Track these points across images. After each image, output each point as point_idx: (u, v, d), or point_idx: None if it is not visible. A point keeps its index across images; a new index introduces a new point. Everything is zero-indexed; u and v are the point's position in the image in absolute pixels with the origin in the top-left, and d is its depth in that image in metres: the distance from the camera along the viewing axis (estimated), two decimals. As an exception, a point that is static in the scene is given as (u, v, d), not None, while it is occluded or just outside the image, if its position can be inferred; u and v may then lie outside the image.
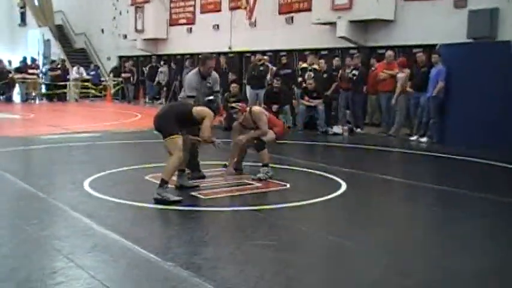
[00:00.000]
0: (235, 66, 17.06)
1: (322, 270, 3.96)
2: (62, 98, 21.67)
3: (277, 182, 6.62)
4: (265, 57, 14.12)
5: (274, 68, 13.71)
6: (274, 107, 11.63)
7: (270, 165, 6.92)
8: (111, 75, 22.41)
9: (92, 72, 23.13)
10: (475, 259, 4.16)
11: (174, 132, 5.70)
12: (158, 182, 5.64)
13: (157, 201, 5.48)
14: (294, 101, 12.81)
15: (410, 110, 11.49)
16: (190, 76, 6.71)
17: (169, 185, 5.71)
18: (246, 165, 7.24)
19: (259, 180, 6.61)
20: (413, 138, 10.88)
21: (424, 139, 10.68)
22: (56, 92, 21.62)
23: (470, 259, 4.15)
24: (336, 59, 13.42)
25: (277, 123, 7.30)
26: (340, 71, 12.75)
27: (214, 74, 6.80)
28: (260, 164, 6.83)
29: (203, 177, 6.72)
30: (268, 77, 13.17)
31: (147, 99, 20.64)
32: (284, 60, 14.10)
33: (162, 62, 20.36)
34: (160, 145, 7.26)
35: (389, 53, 11.95)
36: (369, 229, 4.91)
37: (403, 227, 5.07)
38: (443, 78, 10.39)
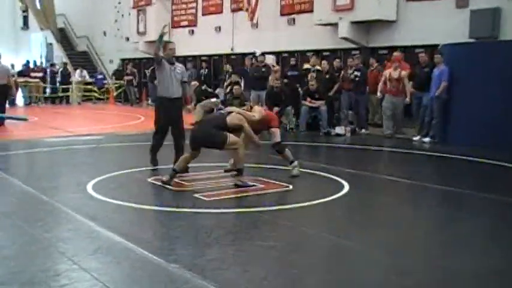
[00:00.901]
0: (238, 68, 17.07)
1: (325, 271, 3.97)
2: (65, 101, 21.77)
3: (280, 183, 6.63)
4: (264, 55, 14.10)
5: (278, 67, 13.64)
6: (275, 109, 11.61)
7: (272, 166, 6.93)
8: (113, 78, 22.46)
9: (100, 76, 23.20)
10: (476, 259, 4.16)
11: (225, 139, 6.29)
12: (161, 183, 5.72)
13: (239, 186, 6.30)
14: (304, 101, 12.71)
15: (412, 110, 11.50)
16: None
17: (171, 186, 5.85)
18: (248, 167, 7.25)
19: (296, 177, 6.90)
20: (416, 138, 10.88)
21: (426, 139, 10.68)
22: (58, 95, 21.70)
23: (471, 259, 4.16)
24: (337, 60, 13.42)
25: (272, 117, 7.22)
26: (342, 72, 12.75)
27: (182, 65, 8.03)
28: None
29: (156, 164, 7.70)
30: (270, 77, 13.16)
31: (149, 101, 20.70)
32: (293, 61, 14.08)
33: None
34: (164, 147, 7.33)
35: (396, 53, 11.90)
36: (372, 230, 4.92)
37: (405, 227, 5.08)
38: (447, 78, 10.39)
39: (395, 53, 11.90)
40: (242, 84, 13.61)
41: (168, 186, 6.40)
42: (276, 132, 7.03)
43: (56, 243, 4.39)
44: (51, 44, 26.43)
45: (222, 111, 6.80)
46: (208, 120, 6.64)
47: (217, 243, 4.42)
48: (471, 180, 7.31)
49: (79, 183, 6.59)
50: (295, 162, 7.07)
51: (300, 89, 12.96)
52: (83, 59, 25.33)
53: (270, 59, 14.47)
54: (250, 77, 13.89)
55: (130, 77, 20.96)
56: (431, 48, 11.89)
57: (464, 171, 8.13)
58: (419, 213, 5.69)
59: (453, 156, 9.10)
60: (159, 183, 6.55)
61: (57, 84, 21.81)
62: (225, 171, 7.07)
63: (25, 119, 9.31)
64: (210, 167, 7.58)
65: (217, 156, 7.75)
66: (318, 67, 13.00)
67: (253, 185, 6.39)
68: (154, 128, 7.88)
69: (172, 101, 7.49)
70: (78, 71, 22.68)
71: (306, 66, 13.33)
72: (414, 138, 10.93)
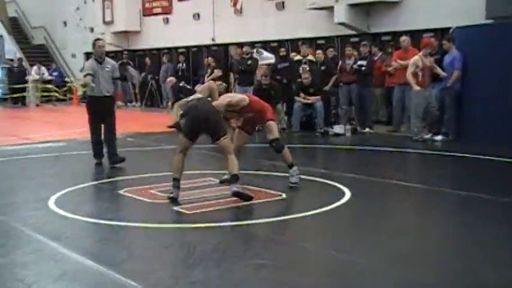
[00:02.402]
0: (220, 61, 17.09)
1: (326, 291, 3.99)
2: (21, 102, 21.64)
3: (272, 192, 6.65)
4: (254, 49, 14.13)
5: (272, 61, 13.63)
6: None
7: (262, 173, 6.94)
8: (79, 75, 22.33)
9: (55, 73, 23.08)
10: (502, 272, 4.19)
11: (225, 128, 6.38)
12: (135, 196, 5.66)
13: (237, 194, 6.12)
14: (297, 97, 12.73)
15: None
16: (88, 61, 8.96)
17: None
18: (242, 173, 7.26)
19: (295, 185, 6.86)
20: (427, 136, 10.93)
21: (438, 137, 10.74)
22: (12, 95, 21.57)
23: (494, 273, 4.18)
24: (330, 49, 13.45)
25: (268, 108, 7.16)
26: (340, 62, 12.80)
27: (112, 61, 9.01)
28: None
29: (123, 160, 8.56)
30: (257, 72, 13.18)
31: (119, 102, 20.63)
32: (283, 52, 14.12)
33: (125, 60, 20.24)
34: (138, 154, 7.34)
35: (403, 38, 11.94)
36: (379, 242, 4.94)
37: (416, 238, 5.11)
38: (459, 65, 10.45)
39: (402, 37, 11.94)
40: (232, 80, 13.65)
41: (145, 199, 6.39)
42: (273, 126, 6.97)
43: (13, 269, 4.36)
44: (1, 36, 26.23)
45: (194, 99, 6.64)
46: (204, 103, 6.50)
47: (202, 263, 4.42)
48: (490, 183, 7.36)
49: (39, 199, 6.55)
50: (295, 168, 6.99)
51: (292, 84, 13.01)
52: (40, 54, 25.14)
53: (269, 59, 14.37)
54: (235, 71, 13.91)
55: (97, 74, 20.91)
56: (441, 32, 11.97)
57: (483, 172, 8.19)
58: (432, 222, 5.72)
59: (469, 155, 9.16)
60: (136, 196, 6.53)
61: (7, 83, 21.62)
62: (221, 182, 7.07)
63: None
64: (191, 175, 7.58)
65: (198, 163, 7.75)
66: (312, 57, 13.05)
67: (251, 197, 6.19)
68: (90, 130, 8.87)
69: (102, 99, 8.60)
70: (35, 67, 22.47)
71: (298, 57, 13.37)
72: (424, 137, 10.98)
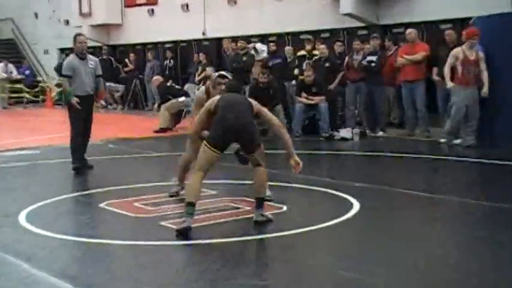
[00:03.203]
0: (212, 57, 17.13)
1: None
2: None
3: (271, 204, 6.66)
4: (251, 44, 14.19)
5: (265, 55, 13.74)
6: (263, 110, 11.64)
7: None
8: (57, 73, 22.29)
9: (27, 72, 23.07)
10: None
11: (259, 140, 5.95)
12: (117, 210, 5.64)
13: (261, 223, 5.80)
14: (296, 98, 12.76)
15: (438, 104, 11.60)
16: (68, 57, 9.29)
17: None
18: (227, 184, 7.29)
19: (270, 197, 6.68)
20: (444, 140, 10.96)
21: (457, 141, 10.76)
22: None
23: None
24: (338, 43, 13.49)
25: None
26: (347, 58, 12.84)
27: (95, 58, 9.46)
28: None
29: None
30: (254, 69, 13.22)
31: (102, 102, 20.61)
32: (273, 47, 14.17)
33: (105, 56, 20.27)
34: (121, 162, 7.30)
35: (409, 30, 12.01)
36: (391, 259, 4.96)
37: (432, 255, 5.11)
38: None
39: (408, 30, 11.98)
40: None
41: (129, 214, 6.39)
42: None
43: (-19, 292, 4.37)
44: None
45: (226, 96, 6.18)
46: (237, 103, 5.91)
47: (193, 284, 4.43)
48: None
49: (8, 214, 6.54)
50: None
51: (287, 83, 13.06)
52: (7, 49, 25.12)
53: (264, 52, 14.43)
54: (229, 68, 13.92)
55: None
56: (461, 23, 12.00)
57: (504, 180, 8.22)
58: (449, 236, 5.73)
59: (492, 161, 9.19)
60: (118, 210, 6.53)
61: None
62: (171, 195, 7.03)
63: None
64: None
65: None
66: (316, 53, 13.08)
67: (271, 220, 5.96)
68: (72, 132, 8.98)
69: (86, 98, 8.92)
70: (1, 64, 22.45)
71: (300, 52, 13.41)
72: (442, 140, 11.02)
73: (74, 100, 8.79)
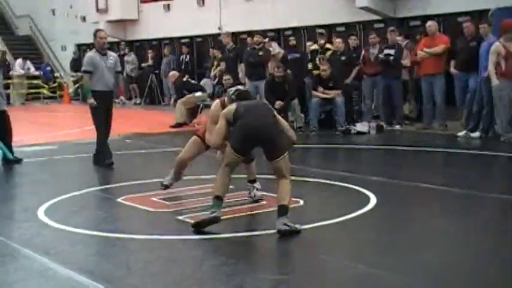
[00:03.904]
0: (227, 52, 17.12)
1: (350, 309, 3.99)
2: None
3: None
4: (266, 39, 14.19)
5: (282, 52, 13.77)
6: (278, 104, 11.61)
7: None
8: (72, 69, 22.43)
9: (47, 68, 23.20)
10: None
11: (286, 149, 5.71)
12: (134, 204, 5.66)
13: (284, 233, 5.33)
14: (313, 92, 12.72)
15: (456, 96, 11.53)
16: (89, 53, 9.30)
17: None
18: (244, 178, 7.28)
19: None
20: (461, 133, 10.90)
21: (475, 134, 10.70)
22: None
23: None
24: (352, 37, 13.41)
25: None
26: (363, 52, 12.78)
27: (114, 54, 9.65)
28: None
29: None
30: (270, 64, 13.20)
31: (122, 98, 20.71)
32: (292, 41, 14.10)
33: (127, 49, 20.38)
34: (138, 158, 7.35)
35: (430, 23, 11.92)
36: (408, 254, 4.94)
37: (453, 250, 5.09)
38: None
39: (428, 23, 11.89)
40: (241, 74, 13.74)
41: (146, 208, 6.41)
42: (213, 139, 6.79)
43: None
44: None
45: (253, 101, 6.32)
46: (258, 108, 5.89)
47: (210, 278, 4.44)
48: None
49: (27, 208, 6.59)
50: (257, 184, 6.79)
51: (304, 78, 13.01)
52: (25, 46, 25.28)
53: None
54: (245, 63, 13.94)
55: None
56: (479, 15, 11.90)
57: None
58: (468, 231, 5.69)
59: (509, 154, 9.12)
60: (135, 205, 6.55)
61: None
62: (164, 187, 7.01)
63: None
64: (197, 181, 7.60)
65: (204, 167, 7.77)
66: (330, 46, 13.03)
67: (299, 230, 5.50)
68: (98, 130, 8.97)
69: (107, 93, 9.01)
70: (19, 61, 22.56)
71: (314, 46, 13.36)
72: (459, 134, 10.96)
73: (91, 101, 8.82)
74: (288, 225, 5.38)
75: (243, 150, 5.72)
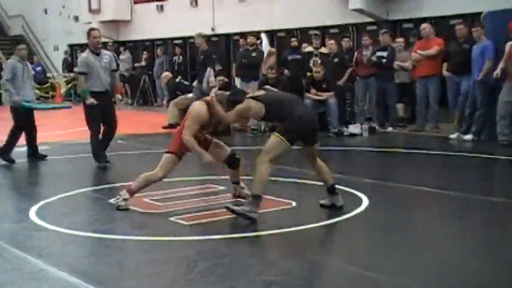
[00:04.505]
0: (221, 53, 17.12)
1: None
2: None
3: (280, 199, 6.66)
4: (259, 40, 14.19)
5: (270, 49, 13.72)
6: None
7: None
8: (65, 69, 22.40)
9: (38, 68, 23.12)
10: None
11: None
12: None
13: (235, 213, 5.79)
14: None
15: (449, 99, 11.57)
16: (83, 54, 9.23)
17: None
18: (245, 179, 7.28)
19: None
20: (454, 135, 10.94)
21: (468, 136, 10.74)
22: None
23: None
24: (345, 39, 13.44)
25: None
26: (356, 54, 12.81)
27: (109, 52, 9.54)
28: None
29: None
30: (263, 65, 13.20)
31: (119, 96, 20.64)
32: (294, 42, 14.09)
33: (122, 48, 20.37)
34: (130, 158, 7.34)
35: (424, 25, 11.97)
36: (401, 256, 4.95)
37: (446, 250, 5.10)
38: (491, 56, 10.45)
39: (423, 25, 11.91)
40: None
41: (138, 209, 6.41)
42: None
43: (-7, 287, 4.39)
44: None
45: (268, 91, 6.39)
46: (296, 99, 6.39)
47: (203, 279, 4.44)
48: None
49: (19, 209, 6.58)
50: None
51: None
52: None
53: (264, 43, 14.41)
54: (238, 64, 13.94)
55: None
56: (471, 18, 11.95)
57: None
58: (461, 233, 5.72)
59: (503, 157, 9.16)
60: (138, 209, 6.54)
61: None
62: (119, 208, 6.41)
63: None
64: (189, 182, 7.59)
65: (196, 168, 7.77)
66: (324, 49, 13.06)
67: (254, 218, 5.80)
68: (91, 131, 8.88)
69: (103, 94, 8.86)
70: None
71: (308, 48, 13.37)
72: (452, 136, 11.00)
73: (90, 100, 8.73)
74: (247, 213, 5.77)
75: (297, 140, 6.02)
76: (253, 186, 5.90)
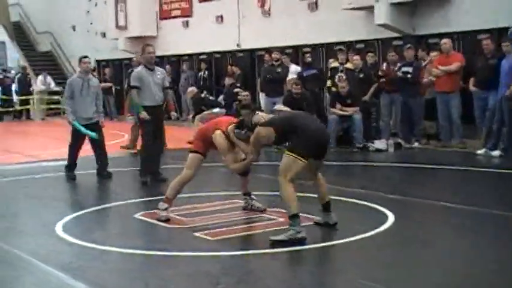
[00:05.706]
0: (245, 69, 17.18)
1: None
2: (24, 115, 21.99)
3: (305, 215, 6.62)
4: (284, 56, 14.23)
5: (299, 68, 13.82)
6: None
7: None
8: None
9: None
10: None
11: None
12: (152, 220, 5.69)
13: (282, 242, 5.57)
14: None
15: (475, 114, 11.46)
16: (137, 69, 9.35)
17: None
18: (260, 195, 7.27)
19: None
20: (481, 151, 10.83)
21: (495, 152, 10.63)
22: (16, 108, 21.92)
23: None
24: (370, 54, 13.40)
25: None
26: (384, 67, 12.76)
27: (162, 69, 9.58)
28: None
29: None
30: (288, 80, 13.23)
31: (174, 113, 20.74)
32: (308, 58, 14.11)
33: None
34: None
35: (445, 40, 11.91)
36: (427, 274, 4.89)
37: (474, 270, 5.04)
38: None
39: (443, 40, 11.84)
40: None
41: (163, 224, 6.42)
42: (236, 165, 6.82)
43: (18, 301, 4.42)
44: (3, 42, 26.66)
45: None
46: (310, 116, 6.65)
47: (226, 296, 4.42)
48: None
49: (45, 224, 6.62)
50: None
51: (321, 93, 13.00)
52: (46, 62, 25.53)
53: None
54: (262, 79, 13.97)
55: (108, 84, 21.13)
56: (498, 33, 11.86)
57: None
58: (488, 252, 5.62)
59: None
60: (152, 221, 6.55)
61: (13, 94, 22.02)
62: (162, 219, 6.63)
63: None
64: (214, 197, 7.60)
65: (221, 183, 7.77)
66: (349, 65, 13.04)
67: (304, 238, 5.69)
68: (143, 142, 9.00)
69: (155, 108, 8.93)
70: (40, 77, 22.89)
71: (334, 64, 13.36)
72: (479, 152, 10.88)
73: (144, 114, 8.75)
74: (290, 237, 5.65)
75: (310, 155, 5.93)
76: (286, 209, 5.85)
